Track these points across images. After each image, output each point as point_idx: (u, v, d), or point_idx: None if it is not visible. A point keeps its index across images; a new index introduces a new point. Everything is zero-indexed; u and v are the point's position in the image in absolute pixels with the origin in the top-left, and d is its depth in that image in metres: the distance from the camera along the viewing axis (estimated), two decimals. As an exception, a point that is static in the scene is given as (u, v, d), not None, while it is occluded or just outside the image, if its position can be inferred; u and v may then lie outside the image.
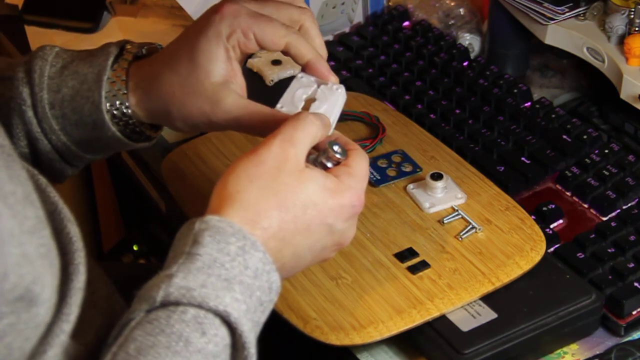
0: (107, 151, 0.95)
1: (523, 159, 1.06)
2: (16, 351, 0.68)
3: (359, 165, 0.79)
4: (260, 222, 0.74)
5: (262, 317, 0.74)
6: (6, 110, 0.90)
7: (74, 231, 0.73)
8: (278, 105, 0.84)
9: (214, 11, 0.86)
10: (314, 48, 0.86)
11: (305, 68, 0.86)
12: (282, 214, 0.75)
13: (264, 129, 0.82)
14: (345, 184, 0.77)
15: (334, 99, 0.83)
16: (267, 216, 0.74)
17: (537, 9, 1.15)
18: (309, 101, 0.84)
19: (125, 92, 0.89)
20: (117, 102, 0.89)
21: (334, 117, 0.83)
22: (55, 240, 0.71)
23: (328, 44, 1.28)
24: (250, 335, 0.71)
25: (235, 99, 0.85)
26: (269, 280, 0.73)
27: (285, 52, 0.86)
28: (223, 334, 0.70)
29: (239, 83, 0.86)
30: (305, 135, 0.77)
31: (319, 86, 0.84)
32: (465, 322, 0.86)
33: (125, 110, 0.90)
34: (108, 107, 0.89)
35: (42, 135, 0.90)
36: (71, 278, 0.71)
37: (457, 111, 1.13)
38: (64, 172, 0.94)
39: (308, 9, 0.89)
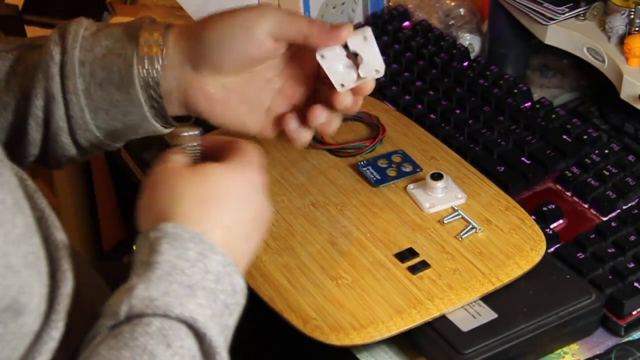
0: (120, 128, 0.91)
1: (523, 159, 1.06)
2: None
3: (245, 147, 0.80)
4: (206, 225, 0.74)
5: (231, 320, 0.73)
6: (32, 72, 0.89)
7: (60, 238, 0.73)
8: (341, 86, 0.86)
9: None
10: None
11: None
12: (218, 210, 0.75)
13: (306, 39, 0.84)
14: (242, 162, 0.79)
15: (368, 45, 0.86)
16: (208, 219, 0.74)
17: (537, 9, 1.15)
18: (355, 62, 0.86)
19: (161, 43, 0.88)
20: (151, 62, 0.88)
21: (378, 58, 0.86)
22: (43, 247, 0.71)
23: (328, 44, 1.28)
24: (220, 338, 0.70)
25: (273, 30, 0.86)
26: (232, 283, 0.73)
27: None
28: (189, 344, 0.68)
29: None
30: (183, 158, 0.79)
31: (345, 48, 0.86)
32: (465, 322, 0.86)
33: (156, 68, 0.88)
34: (139, 67, 0.88)
35: (60, 94, 0.88)
36: (58, 285, 0.71)
37: (457, 111, 1.13)
38: (66, 150, 0.91)
39: None
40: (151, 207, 0.76)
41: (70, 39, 0.89)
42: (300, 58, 0.90)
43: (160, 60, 0.88)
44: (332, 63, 0.86)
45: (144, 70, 0.88)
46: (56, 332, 0.70)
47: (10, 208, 0.66)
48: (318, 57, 0.86)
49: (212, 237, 0.73)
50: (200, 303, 0.70)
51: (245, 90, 0.89)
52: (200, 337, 0.69)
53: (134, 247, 0.74)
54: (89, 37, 0.90)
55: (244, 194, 0.77)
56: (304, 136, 0.90)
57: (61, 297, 0.71)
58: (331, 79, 0.86)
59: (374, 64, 0.86)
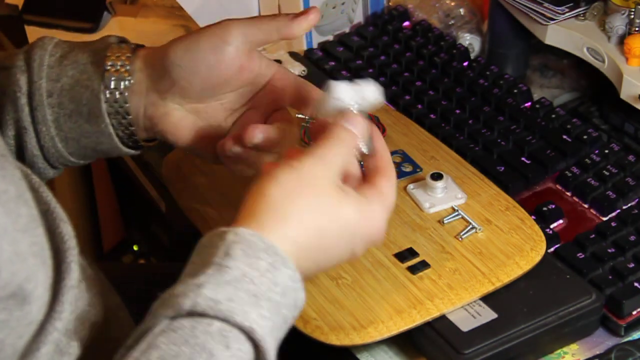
0: (92, 154, 0.93)
1: (523, 159, 1.06)
2: (8, 348, 0.68)
3: (389, 192, 0.80)
4: (295, 237, 0.74)
5: (282, 334, 0.73)
6: (1, 99, 0.89)
7: (66, 230, 0.73)
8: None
9: None
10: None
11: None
12: (316, 232, 0.75)
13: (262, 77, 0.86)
14: (375, 214, 0.78)
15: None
16: (303, 234, 0.75)
17: (537, 9, 1.15)
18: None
19: (128, 68, 0.88)
20: (117, 87, 0.88)
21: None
22: (48, 239, 0.71)
23: (328, 44, 1.28)
24: (273, 351, 0.70)
25: (243, 43, 0.87)
26: (296, 298, 0.73)
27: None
28: (247, 349, 0.69)
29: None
30: (340, 157, 0.78)
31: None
32: (465, 322, 0.86)
33: (123, 95, 0.88)
34: (107, 96, 0.88)
35: (31, 126, 0.89)
36: (63, 276, 0.72)
37: (457, 111, 1.13)
38: (44, 173, 0.93)
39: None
40: (253, 201, 0.76)
41: (35, 67, 0.89)
42: (270, 91, 0.91)
43: (126, 83, 0.89)
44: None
45: (112, 102, 0.89)
46: (60, 322, 0.70)
47: (14, 198, 0.66)
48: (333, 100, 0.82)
49: (288, 250, 0.73)
50: (263, 314, 0.70)
51: (210, 117, 0.91)
52: (256, 346, 0.69)
53: (205, 237, 0.74)
54: (54, 64, 0.90)
55: (349, 241, 0.78)
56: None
57: (65, 288, 0.71)
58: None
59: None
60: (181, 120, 0.90)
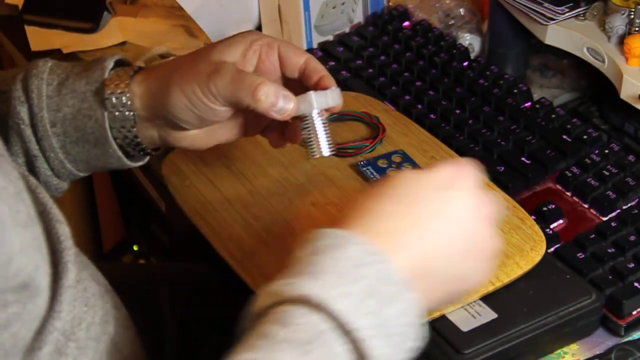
0: (102, 169, 0.96)
1: (523, 159, 1.06)
2: (21, 342, 0.68)
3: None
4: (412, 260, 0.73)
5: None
6: (4, 127, 0.90)
7: (62, 230, 0.73)
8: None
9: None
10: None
11: (318, 82, 0.90)
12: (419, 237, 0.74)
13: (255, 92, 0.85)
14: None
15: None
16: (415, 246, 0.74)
17: (537, 9, 1.15)
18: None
19: (127, 93, 0.89)
20: (122, 117, 0.90)
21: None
22: (45, 239, 0.71)
23: (328, 44, 1.28)
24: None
25: (234, 66, 0.87)
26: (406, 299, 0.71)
27: (301, 70, 0.91)
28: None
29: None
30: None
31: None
32: (465, 322, 0.86)
33: (130, 121, 0.90)
34: (113, 125, 0.90)
35: (40, 153, 0.91)
36: (60, 276, 0.72)
37: (457, 111, 1.13)
38: (60, 188, 0.95)
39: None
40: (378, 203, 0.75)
41: (34, 98, 0.90)
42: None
43: (130, 114, 0.90)
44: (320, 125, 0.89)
45: (120, 128, 0.91)
46: (59, 322, 0.70)
47: (13, 195, 0.66)
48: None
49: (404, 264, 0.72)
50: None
51: (217, 128, 0.92)
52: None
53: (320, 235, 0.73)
54: (53, 94, 0.90)
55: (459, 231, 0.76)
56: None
57: (63, 288, 0.71)
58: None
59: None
60: (197, 135, 0.92)
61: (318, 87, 0.90)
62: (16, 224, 0.65)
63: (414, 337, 0.71)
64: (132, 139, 0.91)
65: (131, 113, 0.90)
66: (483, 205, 0.77)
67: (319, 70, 0.91)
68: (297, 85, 0.92)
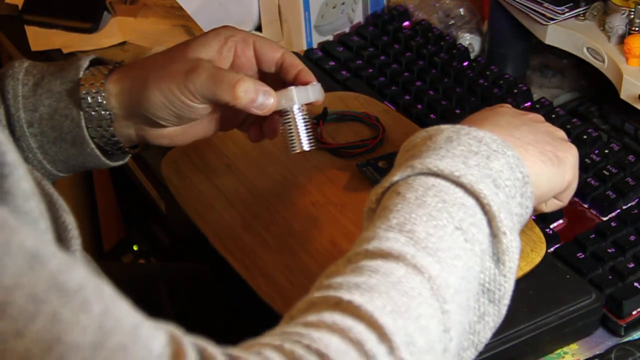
0: (81, 169, 0.96)
1: (523, 159, 1.06)
2: None
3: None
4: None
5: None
6: None
7: (69, 220, 0.74)
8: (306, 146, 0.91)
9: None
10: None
11: (297, 76, 0.91)
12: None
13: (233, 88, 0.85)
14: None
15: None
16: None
17: (537, 9, 1.15)
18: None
19: (103, 92, 0.90)
20: (99, 116, 0.90)
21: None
22: (52, 229, 0.71)
23: (328, 44, 1.28)
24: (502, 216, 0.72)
25: (211, 63, 0.87)
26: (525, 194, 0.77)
27: (278, 65, 0.92)
28: (471, 203, 0.72)
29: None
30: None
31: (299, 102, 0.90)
32: (465, 322, 0.86)
33: (106, 120, 0.90)
34: (89, 124, 0.90)
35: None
36: None
37: (458, 111, 1.13)
38: None
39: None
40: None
41: (10, 98, 0.90)
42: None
43: (107, 114, 0.90)
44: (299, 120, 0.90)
45: (96, 127, 0.91)
46: None
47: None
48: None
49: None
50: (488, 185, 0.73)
51: (195, 124, 0.93)
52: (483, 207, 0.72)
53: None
54: (29, 94, 0.91)
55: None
56: None
57: None
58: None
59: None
60: (175, 131, 0.92)
61: (297, 81, 0.90)
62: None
63: (522, 193, 0.76)
64: (109, 137, 0.92)
65: (107, 112, 0.90)
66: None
67: (295, 64, 0.91)
68: (275, 79, 0.92)
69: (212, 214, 0.98)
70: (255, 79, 0.87)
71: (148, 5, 1.43)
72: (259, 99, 0.86)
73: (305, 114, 0.90)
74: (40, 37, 1.38)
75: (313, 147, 0.91)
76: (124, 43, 1.37)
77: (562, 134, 0.87)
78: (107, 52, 1.35)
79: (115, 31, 1.39)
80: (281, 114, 0.90)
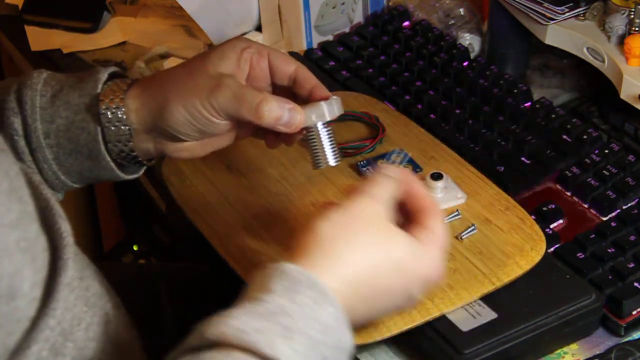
0: (96, 181, 0.96)
1: (523, 159, 1.06)
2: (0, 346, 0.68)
3: (441, 231, 0.80)
4: (346, 276, 0.74)
5: None
6: None
7: (64, 227, 0.73)
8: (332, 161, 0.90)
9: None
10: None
11: (312, 91, 0.91)
12: (369, 271, 0.76)
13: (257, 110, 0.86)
14: (431, 254, 0.79)
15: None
16: (355, 272, 0.75)
17: (537, 9, 1.15)
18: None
19: (123, 108, 0.90)
20: (118, 132, 0.90)
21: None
22: (47, 235, 0.71)
23: (328, 44, 1.28)
24: None
25: (235, 81, 0.88)
26: (339, 339, 0.72)
27: (291, 79, 0.92)
28: None
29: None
30: (387, 192, 0.80)
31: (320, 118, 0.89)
32: (465, 322, 0.86)
33: (125, 135, 0.90)
34: (107, 138, 0.91)
35: (33, 165, 0.92)
36: (59, 272, 0.71)
37: (457, 111, 1.13)
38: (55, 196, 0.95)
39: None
40: (309, 231, 0.77)
41: (28, 109, 0.90)
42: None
43: (126, 129, 0.90)
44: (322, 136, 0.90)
45: (115, 142, 0.91)
46: (53, 320, 0.70)
47: (5, 192, 0.66)
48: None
49: (338, 289, 0.73)
50: (295, 348, 0.69)
51: (215, 138, 0.93)
52: None
53: (254, 274, 0.74)
54: (46, 106, 0.91)
55: (406, 284, 0.79)
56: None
57: (61, 285, 0.71)
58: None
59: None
60: (194, 145, 0.92)
61: (312, 96, 0.90)
62: (1, 224, 0.65)
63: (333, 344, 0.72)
64: (128, 152, 0.92)
65: (127, 127, 0.90)
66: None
67: (309, 79, 0.92)
68: (287, 92, 0.92)
69: (212, 214, 0.98)
70: (279, 97, 0.87)
71: (148, 5, 1.43)
72: (285, 117, 0.86)
73: (329, 129, 0.89)
74: (40, 37, 1.38)
75: (338, 162, 0.90)
76: (124, 43, 1.37)
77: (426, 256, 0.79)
78: (107, 52, 1.35)
79: (115, 31, 1.39)
80: (305, 129, 0.89)
